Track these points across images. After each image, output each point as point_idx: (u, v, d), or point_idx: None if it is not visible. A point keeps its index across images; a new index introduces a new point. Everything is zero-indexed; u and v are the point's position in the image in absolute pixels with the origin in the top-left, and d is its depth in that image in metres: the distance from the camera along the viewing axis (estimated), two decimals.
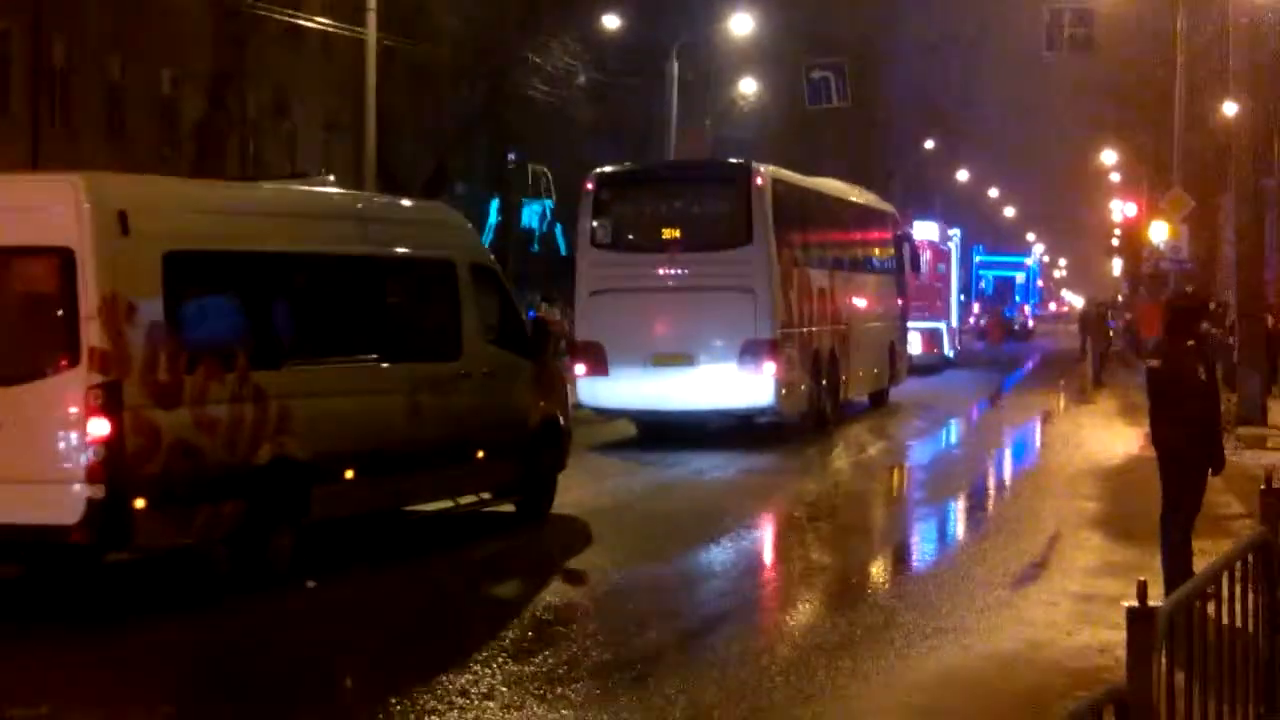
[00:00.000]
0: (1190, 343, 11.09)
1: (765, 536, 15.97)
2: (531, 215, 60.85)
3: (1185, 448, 10.94)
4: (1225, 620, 6.44)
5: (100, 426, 10.76)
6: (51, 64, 36.18)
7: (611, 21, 48.04)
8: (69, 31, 36.38)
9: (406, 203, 16.91)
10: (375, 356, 13.62)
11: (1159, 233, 41.57)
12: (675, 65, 46.24)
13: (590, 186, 23.54)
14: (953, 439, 27.28)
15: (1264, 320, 26.23)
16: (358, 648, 10.47)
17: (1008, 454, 24.40)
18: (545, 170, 58.05)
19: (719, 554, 14.32)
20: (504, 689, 9.00)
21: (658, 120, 49.30)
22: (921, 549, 15.16)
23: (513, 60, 45.84)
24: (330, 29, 35.42)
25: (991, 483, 21.01)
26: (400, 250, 14.54)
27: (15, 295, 11.73)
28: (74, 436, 10.84)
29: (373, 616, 11.50)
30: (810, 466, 21.28)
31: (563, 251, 49.77)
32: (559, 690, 8.98)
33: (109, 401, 10.78)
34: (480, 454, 14.68)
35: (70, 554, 11.49)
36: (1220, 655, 6.30)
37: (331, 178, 15.95)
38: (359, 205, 15.45)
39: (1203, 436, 10.91)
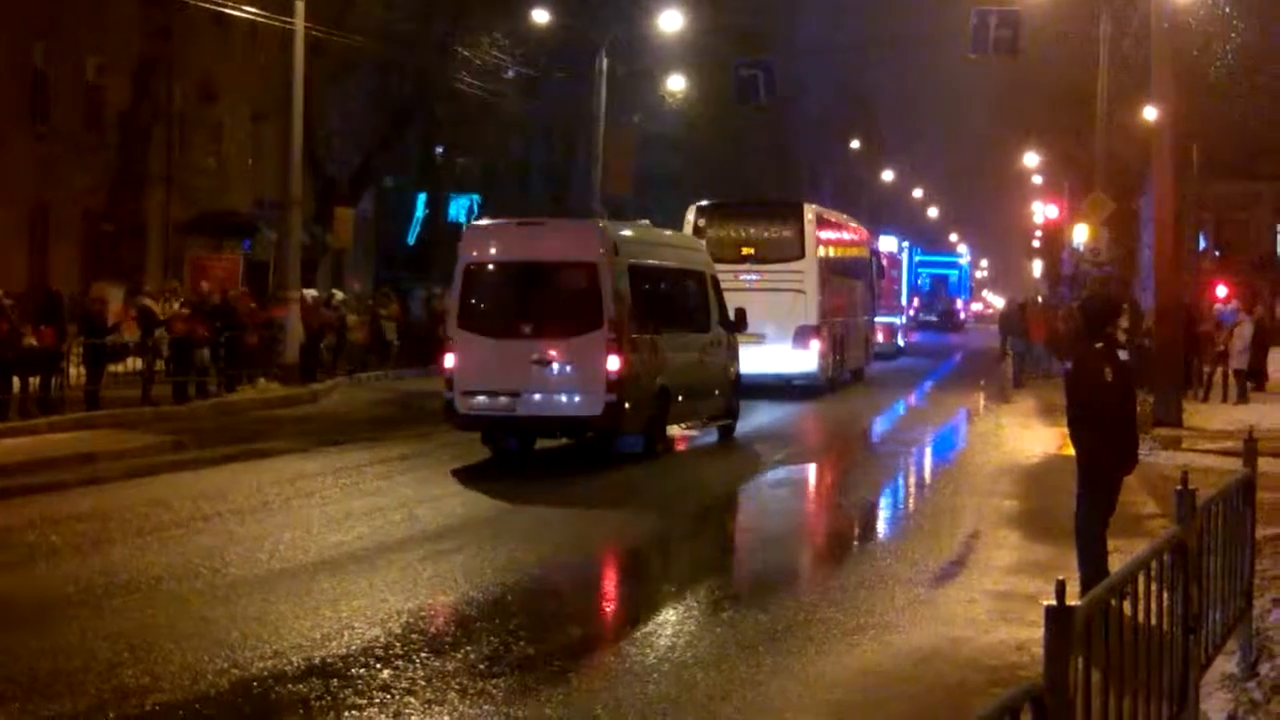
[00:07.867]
0: (1099, 344, 11.25)
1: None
2: (459, 209, 60.59)
3: (1096, 447, 11.12)
4: (1140, 619, 6.55)
5: (614, 362, 19.44)
6: None
7: (541, 16, 47.92)
8: None
9: (680, 234, 27.66)
10: (684, 328, 22.74)
11: (1080, 235, 42.10)
12: (605, 60, 46.20)
13: (691, 216, 32.62)
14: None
15: (1179, 322, 26.56)
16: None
17: (928, 454, 24.66)
18: (473, 164, 57.73)
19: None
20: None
21: (587, 115, 49.24)
22: (844, 546, 15.22)
23: (442, 54, 45.69)
24: (258, 18, 35.13)
25: (912, 481, 21.23)
26: (688, 265, 23.83)
27: (566, 289, 20.20)
28: (601, 367, 19.38)
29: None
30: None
31: None
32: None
33: (618, 348, 19.47)
34: (716, 393, 23.43)
35: (592, 431, 20.35)
36: (1135, 654, 6.41)
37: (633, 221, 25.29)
38: (670, 235, 25.94)
39: (1112, 436, 11.06)
